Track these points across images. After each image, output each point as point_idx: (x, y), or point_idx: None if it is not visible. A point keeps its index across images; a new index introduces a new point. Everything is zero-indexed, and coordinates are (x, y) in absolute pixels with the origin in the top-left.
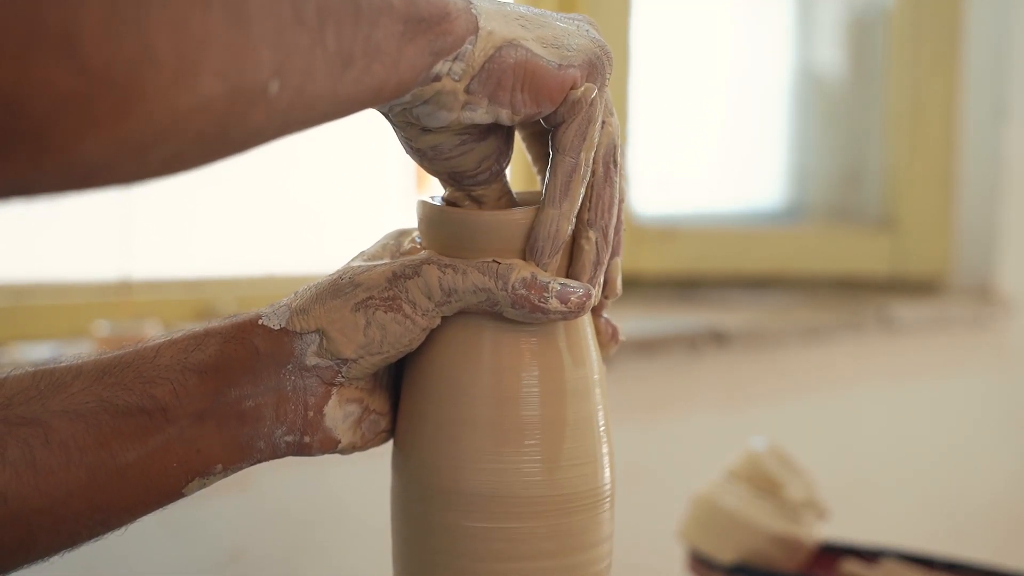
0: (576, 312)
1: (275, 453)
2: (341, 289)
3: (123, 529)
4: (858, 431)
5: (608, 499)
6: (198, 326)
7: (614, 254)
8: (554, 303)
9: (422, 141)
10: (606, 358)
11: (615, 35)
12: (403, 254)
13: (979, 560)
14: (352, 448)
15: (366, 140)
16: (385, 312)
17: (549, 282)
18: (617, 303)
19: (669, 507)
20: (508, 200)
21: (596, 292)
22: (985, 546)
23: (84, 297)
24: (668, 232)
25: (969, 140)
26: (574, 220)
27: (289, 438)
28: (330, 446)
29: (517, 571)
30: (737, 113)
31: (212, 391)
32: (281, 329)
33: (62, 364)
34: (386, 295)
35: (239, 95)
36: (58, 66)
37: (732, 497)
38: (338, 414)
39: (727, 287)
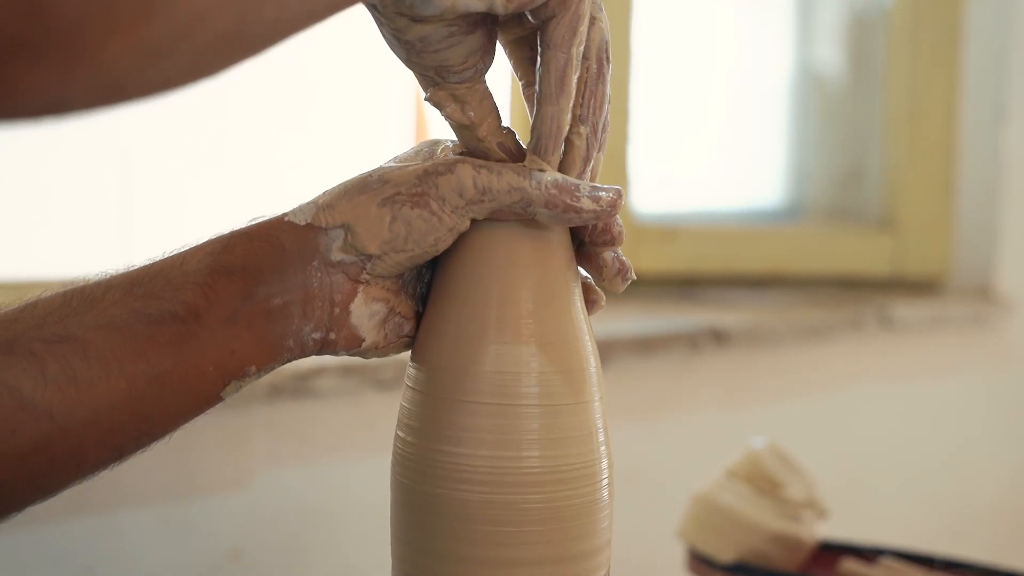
0: (608, 211)
1: (303, 351)
2: (369, 185)
3: (167, 438)
4: (858, 431)
5: (606, 477)
6: (223, 230)
7: (599, 149)
8: (587, 202)
9: (411, 32)
10: (616, 293)
11: (615, 35)
12: None
13: (979, 560)
14: (375, 348)
15: (364, 130)
16: (412, 208)
17: (580, 183)
18: (617, 302)
19: (669, 506)
20: (490, 104)
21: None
22: (985, 546)
23: None
24: (668, 231)
25: (969, 140)
26: (570, 114)
27: (316, 335)
28: (354, 344)
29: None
30: (737, 113)
31: (241, 291)
32: (307, 225)
33: (91, 282)
34: (414, 191)
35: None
36: None
37: (732, 496)
38: (364, 312)
39: (727, 287)
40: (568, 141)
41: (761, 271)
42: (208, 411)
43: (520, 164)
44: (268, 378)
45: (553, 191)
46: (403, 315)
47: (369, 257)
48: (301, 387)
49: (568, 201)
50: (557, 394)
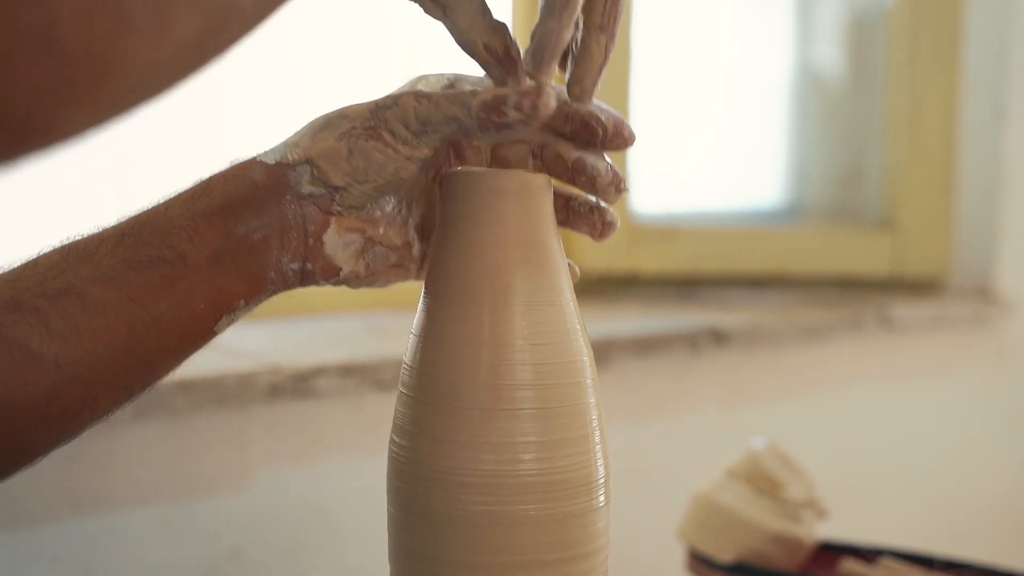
0: (532, 111)
1: (285, 282)
2: (331, 121)
3: (169, 375)
4: (858, 431)
5: (599, 439)
6: (202, 176)
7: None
8: (513, 114)
9: None
10: (611, 203)
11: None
12: None
13: (979, 560)
14: (356, 278)
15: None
16: (366, 140)
17: (507, 96)
18: (617, 303)
19: (669, 507)
20: (477, 5)
21: (592, 90)
22: (985, 546)
23: None
24: (668, 231)
25: (969, 140)
26: (572, 28)
27: (294, 265)
28: (331, 273)
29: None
30: (737, 112)
31: (222, 231)
32: (276, 163)
33: (85, 236)
34: (367, 124)
35: (215, 23)
36: (39, 62)
37: (732, 496)
38: (337, 242)
39: (727, 287)
40: (586, 48)
41: (761, 271)
42: (208, 411)
43: (457, 92)
44: (268, 378)
45: (482, 114)
46: (387, 245)
47: (336, 189)
48: (301, 387)
49: (496, 120)
50: (552, 397)
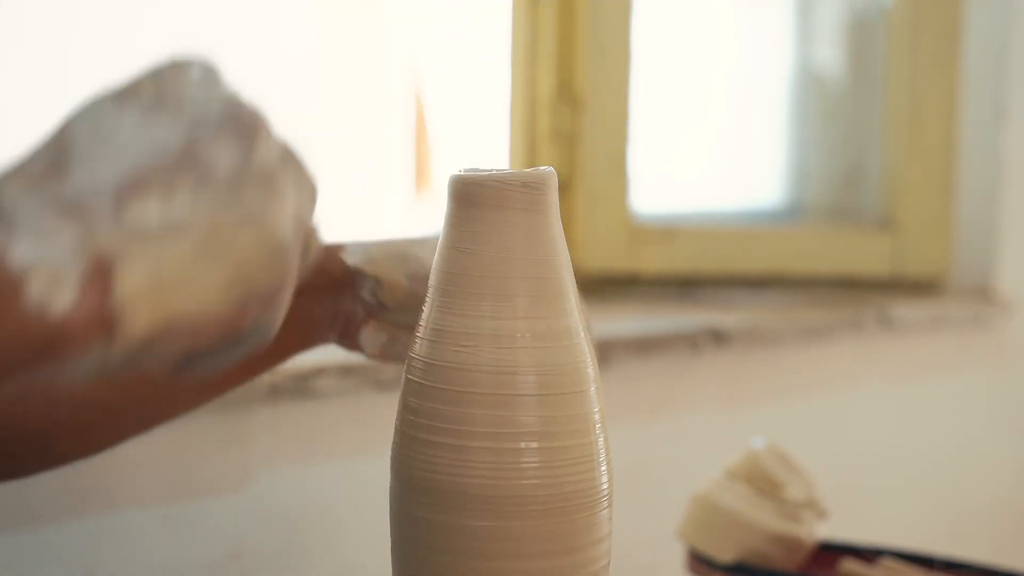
0: None
1: (325, 344)
2: (407, 257)
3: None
4: (858, 431)
5: (602, 430)
6: None
7: None
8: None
9: None
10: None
11: (615, 35)
12: None
13: (979, 560)
14: (372, 358)
15: (364, 131)
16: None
17: None
18: (617, 303)
19: (669, 507)
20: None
21: None
22: (985, 546)
23: None
24: (668, 232)
25: (969, 140)
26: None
27: (334, 337)
28: (356, 350)
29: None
30: (737, 112)
31: (296, 307)
32: (354, 266)
33: None
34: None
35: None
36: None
37: (732, 496)
38: (371, 337)
39: (727, 287)
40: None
41: (761, 271)
42: (208, 411)
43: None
44: (268, 378)
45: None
46: (407, 345)
47: (385, 306)
48: (301, 387)
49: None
50: (555, 385)
